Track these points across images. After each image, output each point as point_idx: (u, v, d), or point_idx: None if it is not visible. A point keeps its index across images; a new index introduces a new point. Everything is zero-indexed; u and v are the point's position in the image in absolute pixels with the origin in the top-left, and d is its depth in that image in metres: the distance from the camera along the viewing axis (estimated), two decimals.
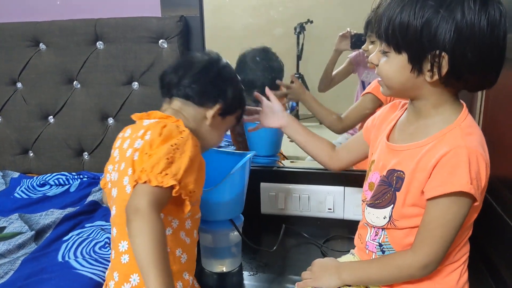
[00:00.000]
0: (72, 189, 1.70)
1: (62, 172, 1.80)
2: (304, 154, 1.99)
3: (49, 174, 1.80)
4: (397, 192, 0.97)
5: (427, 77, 0.90)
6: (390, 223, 1.00)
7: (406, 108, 1.06)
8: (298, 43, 2.03)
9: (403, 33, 0.88)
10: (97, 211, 1.56)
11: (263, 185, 1.60)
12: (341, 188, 1.53)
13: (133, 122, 1.07)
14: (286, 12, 1.96)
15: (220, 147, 1.80)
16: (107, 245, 1.32)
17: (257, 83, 1.73)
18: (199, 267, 1.38)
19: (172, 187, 0.85)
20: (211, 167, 1.34)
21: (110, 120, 1.80)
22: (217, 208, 1.29)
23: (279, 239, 1.43)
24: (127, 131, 1.04)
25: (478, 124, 1.40)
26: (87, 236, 1.38)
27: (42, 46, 1.78)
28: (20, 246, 1.35)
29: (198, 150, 0.95)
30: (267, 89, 1.33)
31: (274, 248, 1.39)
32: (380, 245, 1.04)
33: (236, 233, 1.33)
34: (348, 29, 1.87)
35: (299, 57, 2.08)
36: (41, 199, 1.65)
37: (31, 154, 1.92)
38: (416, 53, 0.89)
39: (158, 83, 1.13)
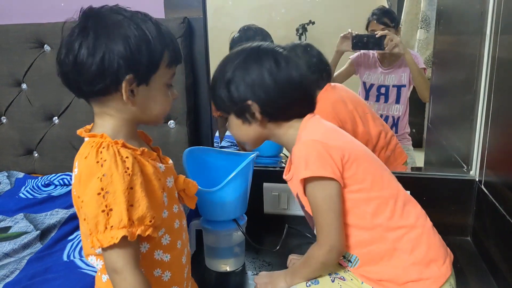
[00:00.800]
0: None
1: (67, 173, 1.81)
2: None
3: (53, 175, 1.80)
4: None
5: (254, 122, 1.10)
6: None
7: None
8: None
9: (218, 101, 1.12)
10: None
11: (266, 185, 1.61)
12: None
13: None
14: (288, 14, 1.98)
15: (223, 147, 1.81)
16: None
17: None
18: (203, 267, 1.39)
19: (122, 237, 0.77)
20: (214, 168, 1.35)
21: None
22: (221, 208, 1.30)
23: (282, 239, 1.44)
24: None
25: (487, 127, 1.42)
26: None
27: (46, 47, 1.79)
28: (26, 246, 1.36)
29: (131, 174, 0.80)
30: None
31: (277, 248, 1.40)
32: (344, 256, 1.12)
33: (239, 233, 1.34)
34: (350, 30, 1.88)
35: None
36: (46, 199, 1.66)
37: (36, 155, 1.93)
38: (236, 110, 1.10)
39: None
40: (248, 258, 1.42)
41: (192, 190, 1.01)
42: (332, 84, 1.68)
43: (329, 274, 1.12)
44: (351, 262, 1.10)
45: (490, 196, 1.35)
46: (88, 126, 0.93)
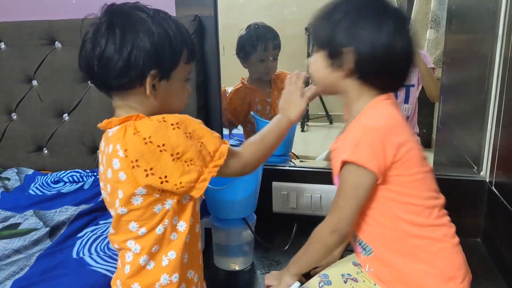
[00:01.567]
0: (86, 186, 1.72)
1: (76, 169, 1.81)
2: (315, 154, 2.00)
3: (63, 171, 1.81)
4: None
5: (341, 71, 1.02)
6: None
7: None
8: (308, 43, 2.03)
9: (320, 35, 1.05)
10: None
11: (275, 184, 1.60)
12: None
13: None
14: (299, 12, 1.97)
15: (232, 146, 1.81)
16: None
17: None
18: (212, 265, 1.39)
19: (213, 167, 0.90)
20: None
21: None
22: (230, 206, 1.30)
23: (291, 238, 1.44)
24: (101, 144, 0.96)
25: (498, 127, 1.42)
26: (101, 233, 1.39)
27: (57, 44, 1.80)
28: (35, 242, 1.36)
29: (187, 118, 0.88)
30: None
31: (286, 247, 1.40)
32: (360, 243, 1.09)
33: (248, 231, 1.34)
34: None
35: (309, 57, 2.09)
36: (55, 196, 1.66)
37: (46, 151, 1.94)
38: (332, 50, 1.01)
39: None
40: (257, 257, 1.42)
41: None
42: None
43: (342, 275, 1.11)
44: (365, 251, 1.08)
45: (501, 197, 1.34)
46: (107, 120, 0.94)
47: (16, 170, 1.90)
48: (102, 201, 1.58)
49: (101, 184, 0.98)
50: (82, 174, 1.78)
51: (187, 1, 1.64)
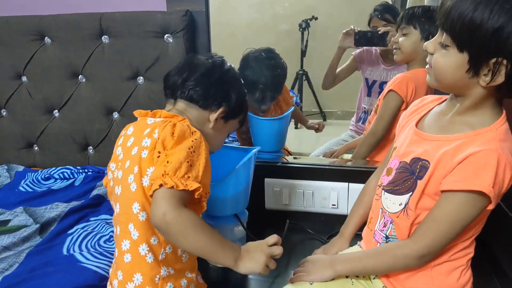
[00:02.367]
0: (77, 183, 1.71)
1: (67, 166, 1.81)
2: (308, 150, 2.00)
3: (53, 168, 1.80)
4: (418, 181, 0.96)
5: (482, 81, 0.87)
6: (404, 212, 1.00)
7: (441, 101, 1.05)
8: (302, 39, 2.03)
9: (472, 33, 0.84)
10: (102, 205, 1.56)
11: (267, 180, 1.60)
12: (345, 184, 1.53)
13: (137, 118, 1.07)
14: (291, 8, 1.97)
15: (225, 142, 1.80)
16: (111, 238, 1.32)
17: (260, 84, 1.71)
18: (204, 262, 1.38)
19: (192, 190, 0.89)
20: (216, 163, 1.34)
21: (115, 115, 1.80)
22: (222, 203, 1.29)
23: (283, 235, 1.43)
24: (130, 128, 1.05)
25: None
26: (91, 229, 1.38)
27: (47, 40, 1.78)
28: (25, 239, 1.36)
29: (208, 151, 0.98)
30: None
31: None
32: (387, 237, 1.04)
33: (240, 228, 1.33)
34: (352, 27, 1.87)
35: (303, 54, 2.09)
36: (45, 193, 1.66)
37: (36, 148, 1.93)
38: (479, 56, 0.85)
39: (163, 84, 1.13)
40: None
41: None
42: None
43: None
44: (387, 240, 1.05)
45: None
46: (145, 111, 1.07)
47: (6, 167, 1.89)
48: (93, 198, 1.58)
49: (112, 165, 1.04)
50: (72, 171, 1.77)
51: None
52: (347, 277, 1.06)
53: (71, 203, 1.55)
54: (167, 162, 0.90)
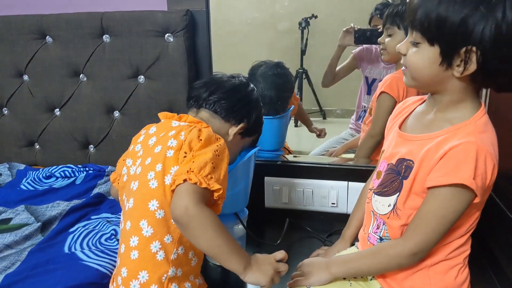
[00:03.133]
0: (78, 181, 1.72)
1: (68, 165, 1.81)
2: (308, 149, 2.01)
3: (55, 167, 1.81)
4: (404, 181, 0.97)
5: (456, 71, 0.89)
6: (393, 212, 1.01)
7: (422, 102, 1.06)
8: (302, 38, 2.03)
9: (440, 26, 0.86)
10: (103, 203, 1.57)
11: (267, 179, 1.60)
12: (344, 183, 1.53)
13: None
14: (291, 7, 1.97)
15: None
16: (113, 236, 1.33)
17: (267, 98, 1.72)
18: (204, 262, 1.39)
19: (213, 190, 0.92)
20: None
21: (116, 113, 1.81)
22: None
23: (283, 233, 1.44)
24: (152, 128, 1.09)
25: None
26: (93, 228, 1.39)
27: (48, 39, 1.79)
28: (27, 237, 1.36)
29: (229, 159, 1.02)
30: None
31: (278, 242, 1.40)
32: (381, 239, 1.05)
33: (240, 226, 1.34)
34: (352, 25, 1.87)
35: (303, 52, 2.08)
36: (47, 191, 1.66)
37: (37, 147, 1.93)
38: (450, 47, 0.87)
39: (186, 95, 1.20)
40: (249, 252, 1.40)
41: None
42: None
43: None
44: (381, 241, 1.06)
45: (493, 194, 1.34)
46: (171, 114, 1.13)
47: (7, 165, 1.89)
48: (94, 196, 1.58)
49: (129, 161, 1.06)
50: (74, 169, 1.78)
51: None
52: (344, 279, 1.06)
53: (72, 201, 1.56)
54: (193, 162, 0.93)
